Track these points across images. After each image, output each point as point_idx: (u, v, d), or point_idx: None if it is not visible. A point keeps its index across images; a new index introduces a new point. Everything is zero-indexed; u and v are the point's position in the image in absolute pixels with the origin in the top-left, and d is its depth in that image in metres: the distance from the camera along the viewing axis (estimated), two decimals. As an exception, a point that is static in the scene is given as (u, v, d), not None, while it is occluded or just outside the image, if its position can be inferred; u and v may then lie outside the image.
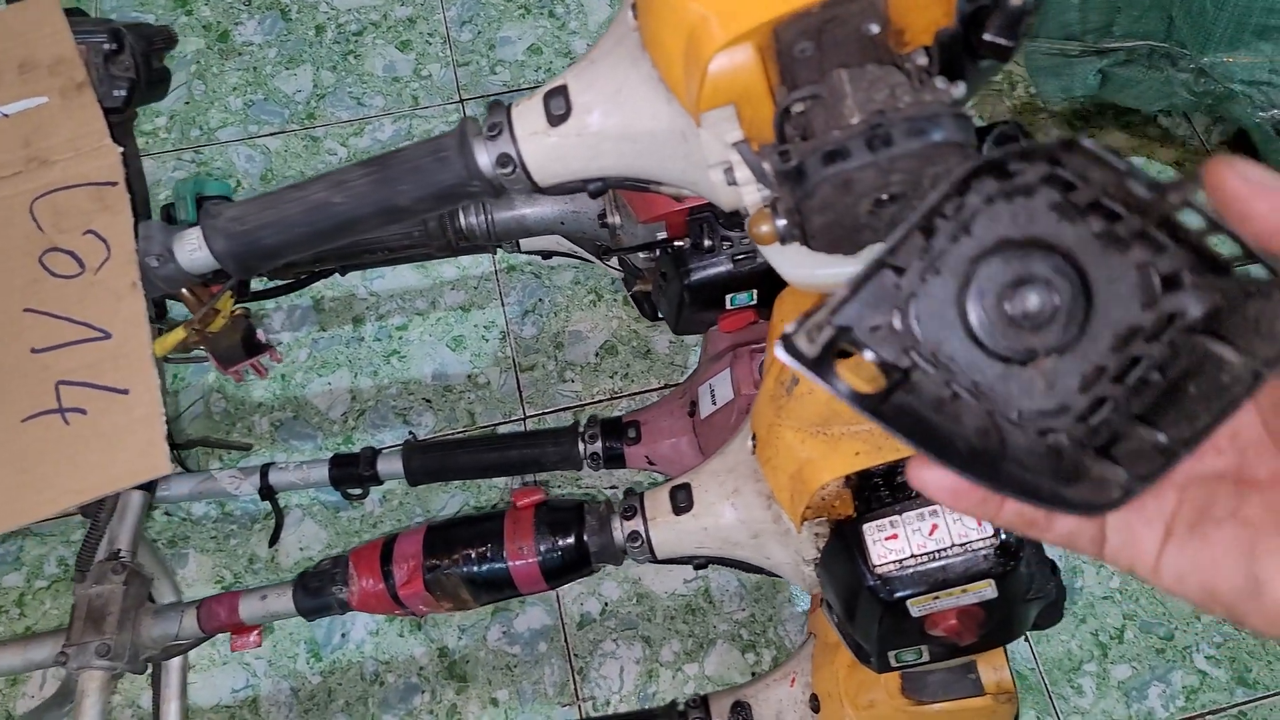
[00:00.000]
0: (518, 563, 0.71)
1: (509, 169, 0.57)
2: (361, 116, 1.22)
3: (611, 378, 1.11)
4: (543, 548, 0.71)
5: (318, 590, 0.73)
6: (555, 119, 0.55)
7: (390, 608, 0.72)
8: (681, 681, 0.98)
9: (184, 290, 0.66)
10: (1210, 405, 0.25)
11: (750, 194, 0.51)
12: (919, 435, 0.27)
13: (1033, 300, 0.28)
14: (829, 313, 0.28)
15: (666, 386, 1.11)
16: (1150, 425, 0.27)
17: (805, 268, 0.56)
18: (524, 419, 1.08)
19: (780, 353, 0.28)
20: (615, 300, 1.14)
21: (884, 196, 0.45)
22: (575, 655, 0.98)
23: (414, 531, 0.73)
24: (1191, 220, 0.26)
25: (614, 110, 0.54)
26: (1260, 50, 1.10)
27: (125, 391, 0.57)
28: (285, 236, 0.59)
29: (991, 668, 0.74)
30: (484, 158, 0.57)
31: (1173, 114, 1.28)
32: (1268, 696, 1.00)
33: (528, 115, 0.57)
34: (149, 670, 0.87)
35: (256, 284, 1.00)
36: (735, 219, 0.74)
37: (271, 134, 1.20)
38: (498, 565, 0.71)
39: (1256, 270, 0.25)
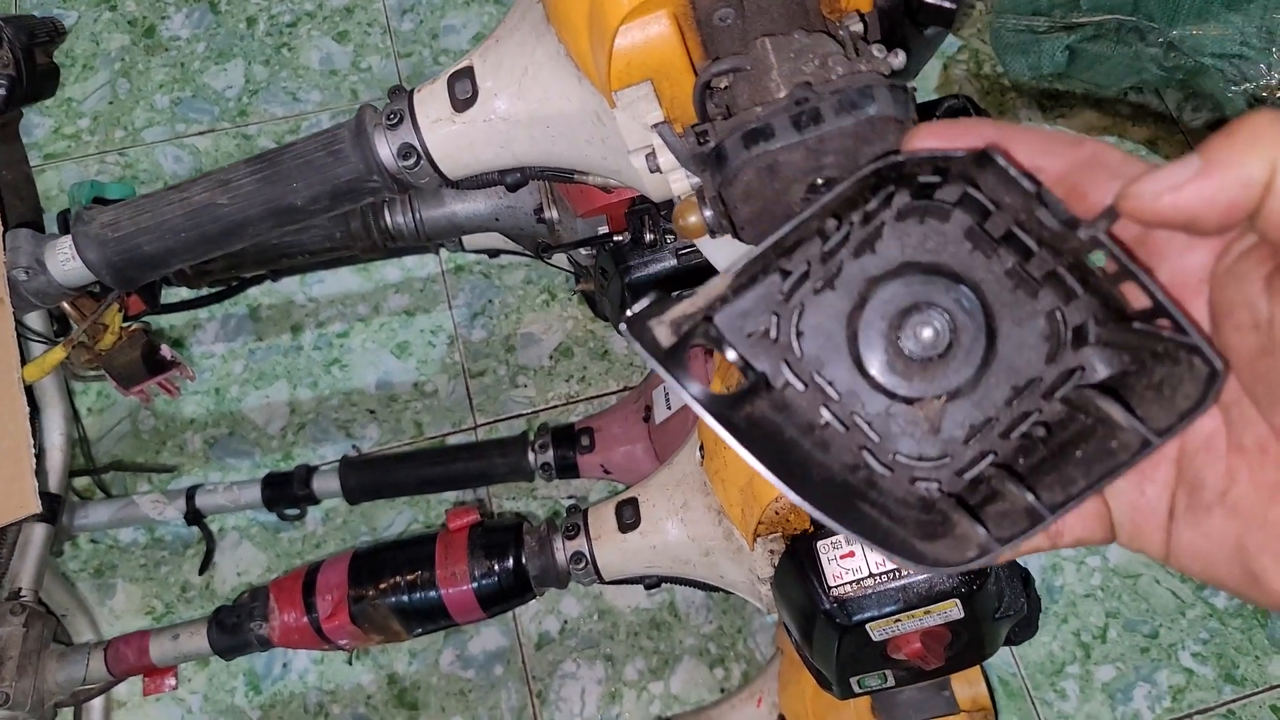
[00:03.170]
0: (451, 590, 0.65)
1: (412, 161, 0.51)
2: (298, 113, 1.15)
3: (567, 381, 1.05)
4: (478, 572, 0.65)
5: (235, 627, 0.67)
6: (460, 104, 0.50)
7: (315, 643, 0.67)
8: (647, 701, 0.93)
9: (65, 304, 0.60)
10: (1091, 469, 0.23)
11: (678, 181, 0.46)
12: (770, 456, 0.24)
13: (929, 333, 0.25)
14: (701, 307, 0.25)
15: (626, 389, 1.05)
16: (1024, 484, 0.24)
17: (742, 263, 0.51)
18: (475, 428, 1.02)
19: (625, 330, 0.24)
20: (570, 300, 1.09)
21: (818, 181, 0.39)
22: (534, 678, 0.93)
23: (338, 559, 0.68)
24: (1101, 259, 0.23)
25: (522, 93, 0.48)
26: (1230, 22, 1.06)
27: (-10, 422, 0.51)
28: (166, 243, 0.53)
29: (966, 683, 0.69)
30: (384, 149, 0.52)
31: (1144, 91, 1.24)
32: (1256, 694, 0.96)
33: (431, 101, 0.51)
34: (61, 715, 0.81)
35: (187, 293, 0.94)
36: (678, 211, 0.69)
37: (201, 133, 1.13)
38: (430, 593, 0.65)
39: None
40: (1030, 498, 0.23)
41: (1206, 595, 0.99)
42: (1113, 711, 0.95)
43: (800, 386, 0.26)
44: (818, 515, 0.24)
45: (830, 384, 0.26)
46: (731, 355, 0.25)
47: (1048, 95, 1.23)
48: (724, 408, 0.24)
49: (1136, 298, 0.22)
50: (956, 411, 0.26)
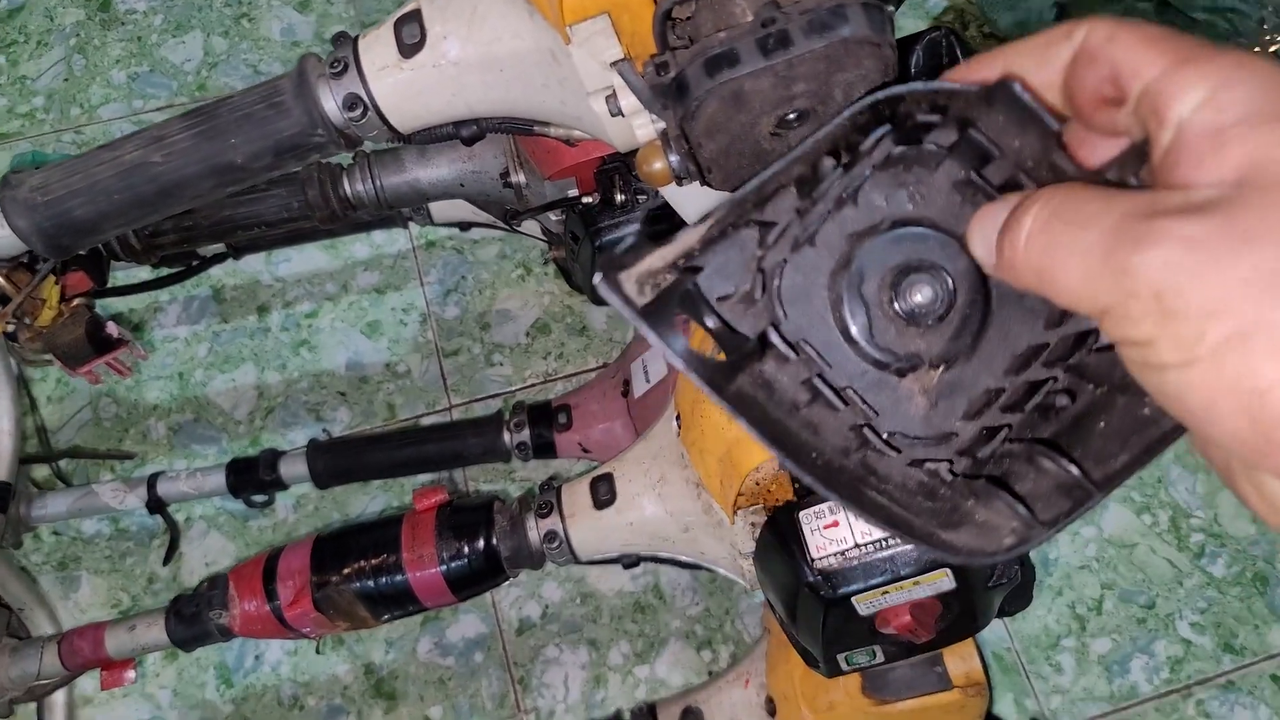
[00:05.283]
0: (418, 573, 0.62)
1: (359, 112, 0.48)
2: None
3: (545, 359, 1.02)
4: (446, 554, 0.62)
5: (193, 617, 0.64)
6: (408, 49, 0.46)
7: (278, 632, 0.64)
8: (632, 685, 0.90)
9: (-2, 278, 0.56)
10: (1127, 441, 0.20)
11: (643, 127, 0.42)
12: (769, 429, 0.21)
13: (922, 294, 0.23)
14: (670, 260, 0.22)
15: (605, 366, 1.02)
16: (1064, 457, 0.22)
17: (713, 214, 0.47)
18: (449, 409, 0.99)
19: (599, 283, 0.21)
20: (546, 274, 1.05)
21: (789, 115, 0.36)
22: (515, 664, 0.90)
23: (301, 544, 0.64)
24: None
25: (472, 34, 0.45)
26: (1224, -24, 1.03)
27: (-90, 401, 0.48)
28: (99, 207, 0.49)
29: (959, 658, 0.67)
30: (328, 101, 0.48)
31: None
32: (1255, 663, 0.94)
33: (376, 47, 0.47)
34: (21, 710, 0.78)
35: (146, 273, 0.90)
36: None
37: (159, 109, 1.09)
38: (396, 577, 0.62)
39: None
40: (1075, 471, 0.21)
41: (1204, 564, 0.97)
42: (1110, 684, 0.93)
43: (789, 353, 0.23)
44: (830, 496, 0.21)
45: (817, 354, 0.23)
46: (711, 323, 0.23)
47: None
48: (714, 372, 0.22)
49: None
50: (954, 383, 0.23)
